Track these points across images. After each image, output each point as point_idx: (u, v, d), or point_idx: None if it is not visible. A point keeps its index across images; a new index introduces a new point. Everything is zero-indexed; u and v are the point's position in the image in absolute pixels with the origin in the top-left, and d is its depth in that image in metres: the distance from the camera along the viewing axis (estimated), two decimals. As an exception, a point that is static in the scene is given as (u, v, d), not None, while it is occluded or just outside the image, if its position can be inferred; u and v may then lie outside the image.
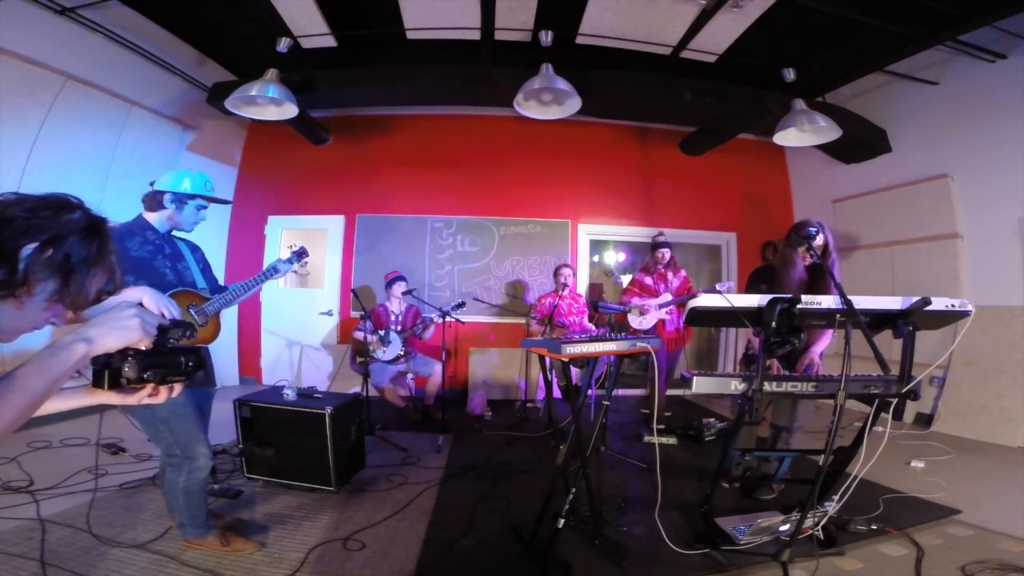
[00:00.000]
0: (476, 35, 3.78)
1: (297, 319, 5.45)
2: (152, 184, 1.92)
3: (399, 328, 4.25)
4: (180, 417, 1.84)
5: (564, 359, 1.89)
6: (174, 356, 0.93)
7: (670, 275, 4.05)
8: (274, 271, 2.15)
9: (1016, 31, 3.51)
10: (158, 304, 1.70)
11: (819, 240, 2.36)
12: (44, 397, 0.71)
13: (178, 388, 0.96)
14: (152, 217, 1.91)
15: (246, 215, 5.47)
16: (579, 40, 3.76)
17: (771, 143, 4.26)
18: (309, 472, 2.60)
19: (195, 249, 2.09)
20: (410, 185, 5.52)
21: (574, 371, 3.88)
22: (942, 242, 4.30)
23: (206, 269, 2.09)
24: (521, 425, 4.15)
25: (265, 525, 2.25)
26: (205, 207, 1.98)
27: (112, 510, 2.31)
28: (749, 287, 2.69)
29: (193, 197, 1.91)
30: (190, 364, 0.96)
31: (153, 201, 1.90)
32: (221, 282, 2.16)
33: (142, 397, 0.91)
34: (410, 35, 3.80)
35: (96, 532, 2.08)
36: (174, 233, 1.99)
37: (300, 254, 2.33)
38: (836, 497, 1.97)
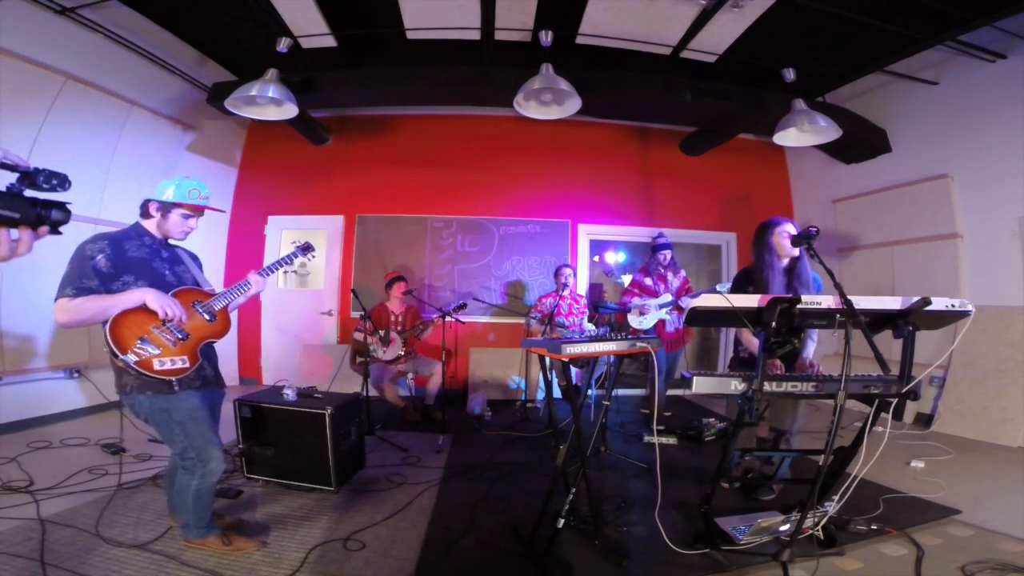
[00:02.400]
0: (476, 35, 3.78)
1: (297, 319, 5.45)
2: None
3: (399, 328, 4.25)
4: (195, 421, 1.84)
5: (564, 359, 1.89)
6: (25, 201, 0.85)
7: (670, 276, 4.05)
8: (268, 271, 2.13)
9: (1016, 31, 3.51)
10: (162, 304, 1.71)
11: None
12: None
13: (24, 243, 0.87)
14: (146, 224, 1.92)
15: (246, 215, 5.47)
16: (579, 40, 3.76)
17: (771, 143, 4.26)
18: (309, 472, 2.60)
19: (194, 258, 2.09)
20: (410, 185, 5.52)
21: (574, 371, 3.89)
22: (942, 242, 4.30)
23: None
24: (521, 425, 4.15)
25: (265, 525, 2.25)
26: (191, 216, 1.96)
27: (112, 510, 2.31)
28: (735, 288, 2.70)
29: (177, 205, 1.91)
30: (44, 214, 0.87)
31: (143, 208, 1.91)
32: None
33: None
34: (410, 35, 3.80)
35: (96, 532, 2.08)
36: (171, 241, 1.99)
37: (305, 248, 2.32)
38: (836, 497, 1.97)
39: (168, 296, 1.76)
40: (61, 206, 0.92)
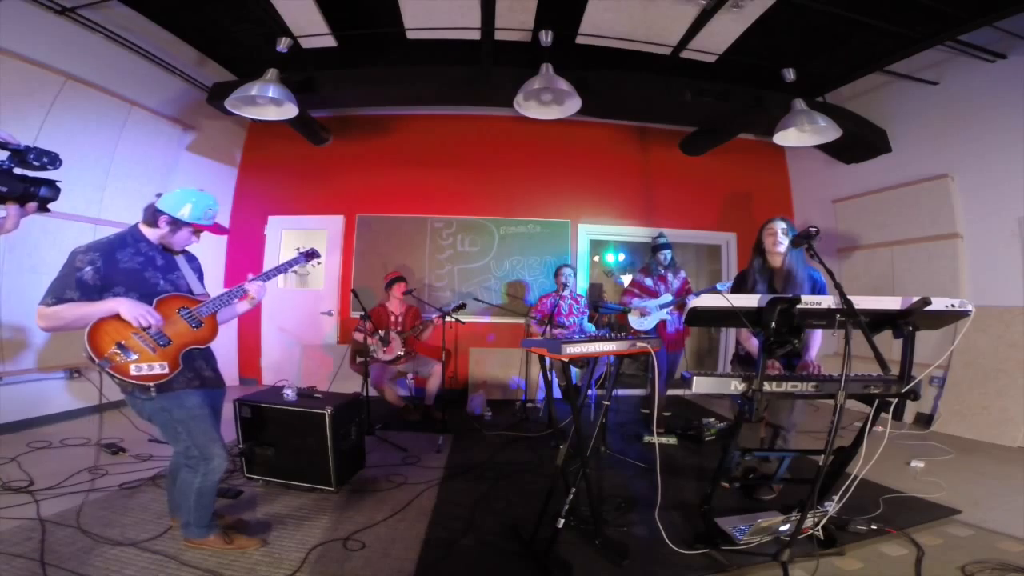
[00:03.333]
0: (476, 35, 3.78)
1: (297, 319, 5.45)
2: (158, 196, 1.90)
3: (399, 328, 4.25)
4: (198, 419, 1.85)
5: (564, 359, 1.89)
6: (13, 177, 0.86)
7: (670, 276, 4.04)
8: (267, 276, 2.11)
9: (1016, 31, 3.51)
10: (135, 315, 1.70)
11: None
12: None
13: (11, 218, 0.88)
14: (147, 231, 1.91)
15: (246, 215, 5.47)
16: (579, 40, 3.76)
17: (771, 143, 4.26)
18: (309, 472, 2.60)
19: (192, 259, 2.07)
20: (410, 185, 5.52)
21: (574, 371, 3.89)
22: (942, 242, 4.30)
23: (200, 278, 2.07)
24: (521, 425, 4.15)
25: (265, 525, 2.25)
26: (201, 231, 1.96)
27: (112, 510, 2.31)
28: (734, 290, 2.71)
29: (188, 225, 1.90)
30: (32, 191, 0.88)
31: (150, 217, 1.89)
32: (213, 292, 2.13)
33: None
34: (410, 35, 3.80)
35: (97, 532, 2.08)
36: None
37: (309, 255, 2.31)
38: (836, 497, 1.97)
39: (143, 305, 1.74)
40: (51, 184, 0.91)
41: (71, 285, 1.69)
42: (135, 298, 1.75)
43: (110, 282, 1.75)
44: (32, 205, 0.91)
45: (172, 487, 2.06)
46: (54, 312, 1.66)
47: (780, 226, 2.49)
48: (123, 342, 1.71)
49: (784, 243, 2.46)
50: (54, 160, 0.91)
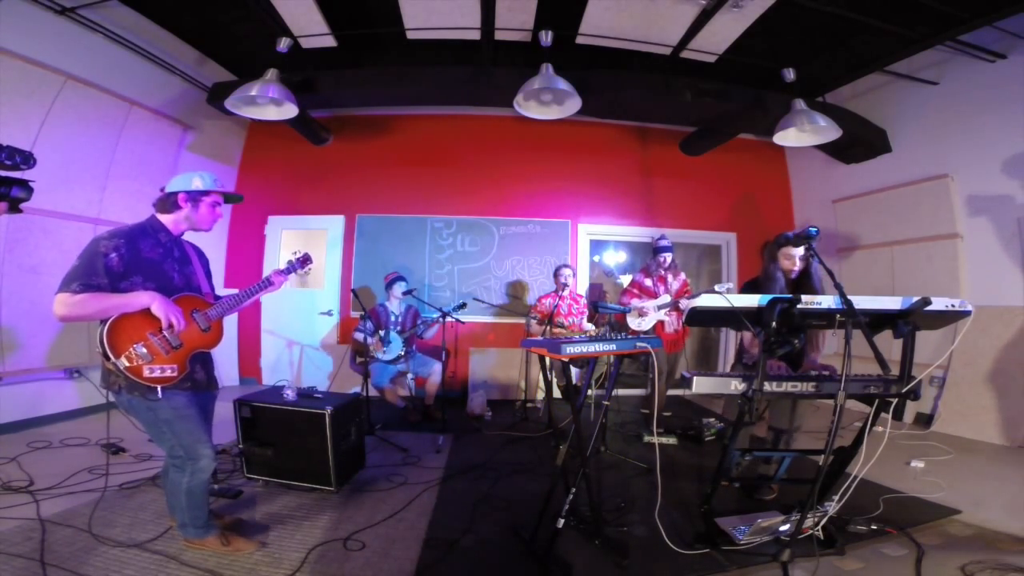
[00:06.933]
0: (476, 35, 3.78)
1: (297, 319, 5.45)
2: (162, 189, 1.92)
3: (399, 328, 4.25)
4: (182, 419, 1.84)
5: (564, 359, 1.89)
6: None
7: (670, 278, 4.04)
8: (268, 283, 2.10)
9: (1016, 31, 3.51)
10: (165, 313, 1.71)
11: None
12: None
13: None
14: (166, 219, 1.91)
15: (246, 215, 5.46)
16: (579, 40, 3.76)
17: (771, 143, 4.26)
18: (309, 472, 2.60)
19: (200, 254, 2.09)
20: (410, 185, 5.52)
21: (574, 371, 3.88)
22: (942, 242, 4.30)
23: (207, 275, 2.09)
24: (521, 425, 4.15)
25: (265, 525, 2.25)
26: (220, 203, 1.99)
27: (112, 510, 2.31)
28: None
29: (207, 194, 1.92)
30: (3, 191, 0.87)
31: (167, 203, 1.89)
32: (219, 291, 2.15)
33: None
34: (410, 35, 3.80)
35: (96, 532, 2.08)
36: (182, 237, 2.00)
37: (304, 261, 2.31)
38: (836, 497, 1.98)
39: (172, 303, 1.75)
40: (23, 184, 0.89)
41: (98, 271, 1.65)
42: (152, 289, 1.75)
43: (130, 270, 1.74)
44: (2, 206, 0.89)
45: (167, 487, 2.06)
46: (80, 300, 1.61)
47: (799, 252, 2.51)
48: (142, 342, 1.71)
49: (800, 268, 2.52)
50: (27, 159, 0.89)
